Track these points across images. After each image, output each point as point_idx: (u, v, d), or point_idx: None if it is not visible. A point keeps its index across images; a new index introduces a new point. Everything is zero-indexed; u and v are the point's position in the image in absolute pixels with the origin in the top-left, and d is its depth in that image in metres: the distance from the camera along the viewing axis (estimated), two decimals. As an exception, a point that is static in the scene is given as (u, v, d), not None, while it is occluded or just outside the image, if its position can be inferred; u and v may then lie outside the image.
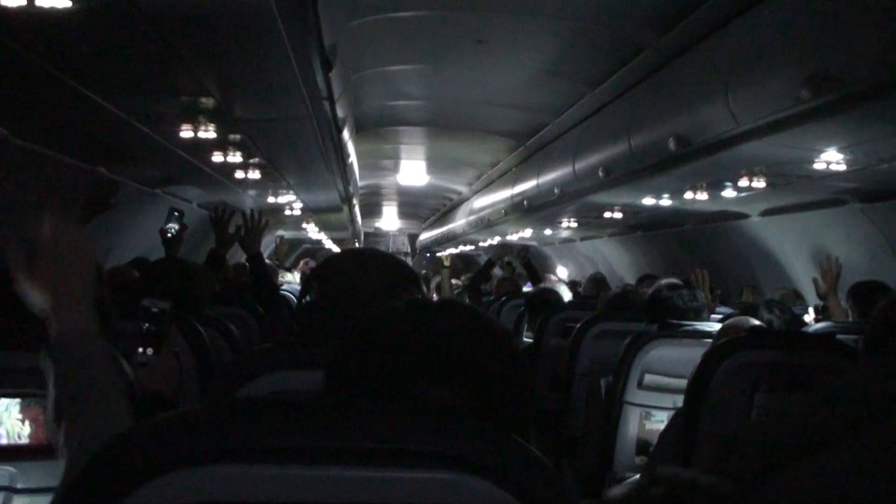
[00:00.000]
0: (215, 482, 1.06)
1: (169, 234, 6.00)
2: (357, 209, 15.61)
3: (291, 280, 8.89)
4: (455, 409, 1.23)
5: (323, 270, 2.09)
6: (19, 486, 2.44)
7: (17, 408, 2.46)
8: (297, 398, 1.27)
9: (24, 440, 2.46)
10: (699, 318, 4.03)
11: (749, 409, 2.88)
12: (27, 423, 2.46)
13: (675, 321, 4.00)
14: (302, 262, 15.36)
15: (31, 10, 2.58)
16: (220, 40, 3.10)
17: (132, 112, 4.50)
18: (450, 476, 1.07)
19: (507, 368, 1.29)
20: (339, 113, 5.08)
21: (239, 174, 6.79)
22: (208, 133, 4.94)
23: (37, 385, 2.46)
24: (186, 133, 4.95)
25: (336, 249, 21.55)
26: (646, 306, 4.25)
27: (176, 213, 6.69)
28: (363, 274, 1.99)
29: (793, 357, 2.89)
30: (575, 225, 11.01)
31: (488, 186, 13.55)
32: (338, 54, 3.72)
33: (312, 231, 15.48)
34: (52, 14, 2.61)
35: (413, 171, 15.94)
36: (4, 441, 2.45)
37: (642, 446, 4.00)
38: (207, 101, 4.25)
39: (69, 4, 2.54)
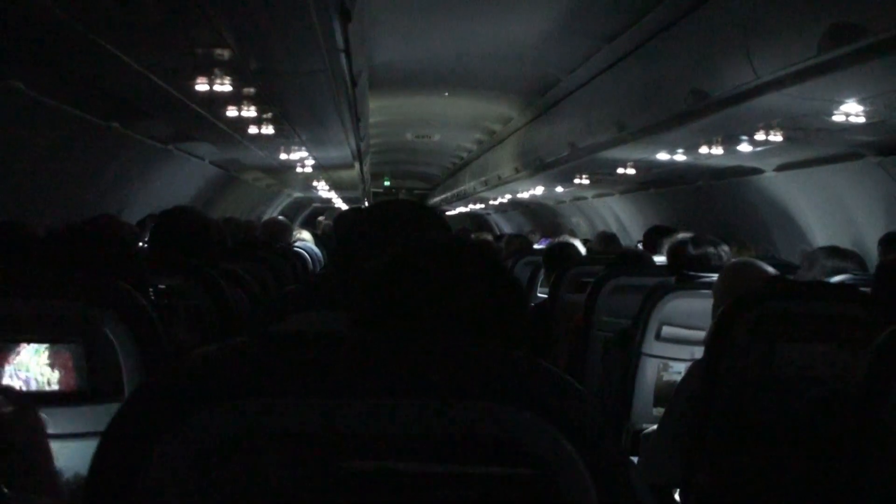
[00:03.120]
0: (263, 413, 1.08)
1: (144, 243, 5.98)
2: (368, 167, 15.59)
3: (307, 238, 8.90)
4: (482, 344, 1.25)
5: (359, 219, 2.14)
6: (50, 430, 2.47)
7: (46, 354, 2.48)
8: (336, 333, 1.28)
9: (54, 386, 2.48)
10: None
11: (770, 359, 2.88)
12: (56, 369, 2.48)
13: (692, 273, 4.00)
14: (323, 218, 15.39)
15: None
16: (240, -11, 3.09)
17: (148, 65, 4.49)
18: (489, 406, 1.08)
19: (520, 317, 1.35)
20: (355, 67, 5.07)
21: (252, 129, 6.78)
22: (224, 86, 4.92)
23: (65, 331, 2.49)
24: (202, 86, 4.94)
25: (345, 208, 21.55)
26: (668, 256, 4.24)
27: (152, 224, 6.67)
28: (397, 221, 2.05)
29: (814, 307, 2.89)
30: (587, 182, 10.98)
31: (500, 143, 13.50)
32: (356, 5, 3.70)
33: (323, 190, 15.48)
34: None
35: (424, 128, 15.89)
36: (34, 387, 2.48)
37: (660, 397, 4.02)
38: (223, 53, 4.24)
39: (91, -48, 2.53)
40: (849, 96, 4.60)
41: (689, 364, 3.46)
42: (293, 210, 20.35)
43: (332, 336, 1.19)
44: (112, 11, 3.39)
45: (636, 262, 5.32)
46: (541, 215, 18.35)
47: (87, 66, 4.47)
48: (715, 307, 3.32)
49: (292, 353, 1.12)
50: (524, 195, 14.71)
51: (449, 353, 1.12)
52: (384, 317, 1.31)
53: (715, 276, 3.92)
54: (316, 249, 8.17)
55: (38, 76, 4.73)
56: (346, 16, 3.71)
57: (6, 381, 2.46)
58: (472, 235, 13.06)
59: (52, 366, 2.48)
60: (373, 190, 23.85)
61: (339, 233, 2.76)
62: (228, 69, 4.56)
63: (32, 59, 4.38)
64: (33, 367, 2.49)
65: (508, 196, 16.05)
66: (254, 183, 13.41)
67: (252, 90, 5.22)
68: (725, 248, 4.03)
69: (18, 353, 2.46)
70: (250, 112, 5.91)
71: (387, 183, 28.08)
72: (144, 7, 3.24)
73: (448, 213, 25.39)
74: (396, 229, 2.07)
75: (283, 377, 1.10)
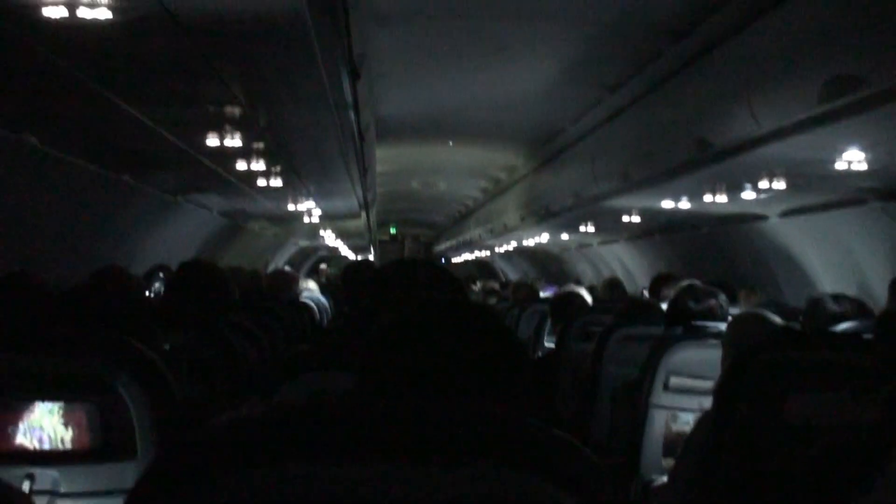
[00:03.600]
0: (279, 482, 1.10)
1: (152, 294, 6.03)
2: (374, 216, 15.67)
3: (313, 288, 8.93)
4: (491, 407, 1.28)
5: (375, 278, 2.20)
6: (62, 489, 2.48)
7: (60, 412, 2.49)
8: (348, 398, 1.31)
9: (67, 444, 2.49)
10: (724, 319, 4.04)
11: (779, 409, 2.89)
12: (69, 427, 2.49)
13: (699, 323, 4.02)
14: (325, 266, 15.48)
15: (71, 22, 2.63)
16: (253, 51, 3.15)
17: (160, 120, 4.56)
18: (497, 470, 1.10)
19: (522, 376, 1.38)
20: (363, 121, 5.13)
21: (261, 182, 6.85)
22: (234, 141, 4.99)
23: (79, 390, 2.51)
24: (212, 141, 5.01)
25: (352, 257, 21.61)
26: (668, 310, 4.26)
27: (160, 274, 6.73)
28: (406, 281, 2.09)
29: (821, 356, 2.90)
30: (592, 229, 11.03)
31: (505, 192, 13.58)
32: (364, 62, 3.77)
33: (329, 239, 15.54)
34: (92, 25, 2.66)
35: (429, 176, 15.97)
36: (47, 445, 2.49)
37: (670, 448, 4.01)
38: (234, 110, 4.31)
39: (110, 16, 2.59)
40: (850, 145, 4.66)
41: (698, 414, 3.47)
42: (299, 258, 20.39)
43: (342, 403, 1.21)
44: (126, 69, 3.46)
45: (644, 310, 5.33)
46: (546, 262, 18.38)
47: (100, 121, 4.54)
48: (724, 359, 3.33)
49: (306, 422, 1.15)
50: (529, 242, 14.75)
51: (456, 417, 1.15)
52: (391, 378, 1.34)
53: (721, 325, 3.94)
54: (323, 299, 8.19)
55: (51, 131, 4.81)
56: (355, 74, 3.78)
57: (20, 438, 2.48)
58: (479, 283, 13.09)
59: (65, 424, 2.50)
60: (379, 238, 23.93)
61: (348, 290, 2.81)
62: (239, 125, 4.63)
63: (47, 114, 4.45)
64: (47, 425, 2.51)
65: (514, 243, 16.09)
66: (260, 232, 13.47)
67: (261, 145, 5.29)
68: (723, 296, 4.07)
69: (32, 411, 2.48)
70: (259, 165, 5.98)
71: (393, 231, 28.15)
72: (159, 67, 3.31)
73: (454, 259, 25.43)
74: (405, 289, 2.12)
75: (297, 446, 1.12)
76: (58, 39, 2.96)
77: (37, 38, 2.92)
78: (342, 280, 3.50)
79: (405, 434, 1.12)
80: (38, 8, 2.60)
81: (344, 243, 17.57)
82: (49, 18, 2.61)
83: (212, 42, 3.04)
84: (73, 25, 2.68)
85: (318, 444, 1.12)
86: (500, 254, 20.29)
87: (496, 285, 12.38)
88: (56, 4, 2.57)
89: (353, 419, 1.15)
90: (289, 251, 18.21)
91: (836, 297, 4.24)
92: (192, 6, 2.67)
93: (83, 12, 2.59)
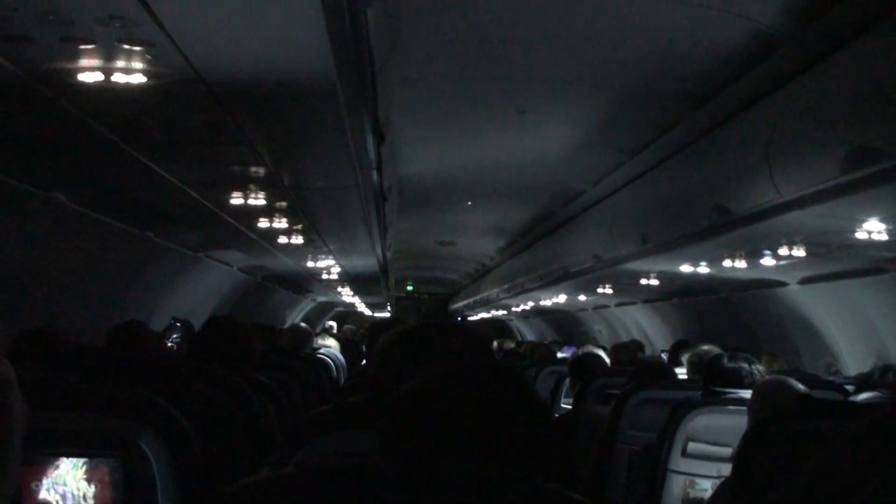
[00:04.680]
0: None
1: (172, 344, 6.08)
2: (392, 274, 15.72)
3: (330, 344, 8.96)
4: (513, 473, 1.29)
5: (391, 341, 2.22)
6: (85, 546, 2.49)
7: (84, 468, 2.51)
8: (368, 464, 1.32)
9: (90, 501, 2.51)
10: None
11: (799, 479, 2.86)
12: (93, 483, 2.51)
13: (719, 388, 4.01)
14: (332, 324, 15.50)
15: (105, 86, 2.71)
16: (281, 116, 3.22)
17: (185, 180, 4.63)
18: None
19: (547, 440, 1.38)
20: (386, 182, 5.19)
21: (282, 239, 6.91)
22: (257, 200, 5.05)
23: (103, 446, 2.53)
24: (236, 200, 5.07)
25: (368, 313, 21.62)
26: (703, 373, 4.24)
27: (178, 324, 6.79)
28: (430, 344, 2.12)
29: (844, 426, 2.88)
30: (610, 291, 11.02)
31: (523, 251, 13.61)
32: (390, 125, 3.84)
33: (347, 295, 15.57)
34: (126, 89, 2.74)
35: (447, 235, 16.04)
36: (70, 502, 2.51)
37: (687, 515, 3.98)
38: (259, 170, 4.37)
39: (143, 81, 2.67)
40: (871, 215, 4.67)
41: (716, 481, 3.45)
42: (316, 314, 20.42)
43: (365, 468, 1.23)
44: (155, 131, 3.53)
45: (658, 373, 5.32)
46: (563, 322, 18.34)
47: (127, 179, 4.62)
48: (749, 424, 3.33)
49: (332, 485, 1.17)
50: (546, 302, 14.74)
51: (480, 486, 1.17)
52: (416, 440, 1.34)
53: (742, 393, 3.92)
54: (339, 356, 8.21)
55: (79, 189, 4.89)
56: (381, 137, 3.84)
57: (43, 494, 2.50)
58: (496, 342, 13.07)
59: (88, 480, 2.51)
60: (395, 294, 23.95)
61: (371, 352, 2.84)
62: (263, 184, 4.70)
63: (75, 173, 4.54)
64: (70, 481, 2.52)
65: (531, 303, 16.08)
66: (279, 288, 13.53)
67: (284, 204, 5.35)
68: (760, 367, 4.02)
69: (58, 467, 2.50)
70: (281, 224, 6.04)
71: (409, 288, 28.18)
72: (187, 129, 3.38)
73: (470, 318, 25.39)
74: (429, 353, 2.14)
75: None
76: (91, 102, 3.04)
77: (72, 101, 3.00)
78: (367, 338, 3.52)
79: (429, 499, 1.14)
80: (75, 73, 2.68)
81: (361, 300, 17.59)
82: (84, 83, 2.69)
83: (241, 106, 3.11)
84: (107, 89, 2.76)
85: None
86: (516, 313, 20.26)
87: (512, 345, 12.36)
88: (92, 70, 2.64)
89: (378, 483, 1.17)
90: (306, 307, 18.25)
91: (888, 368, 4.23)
92: (223, 72, 2.74)
93: (118, 77, 2.67)
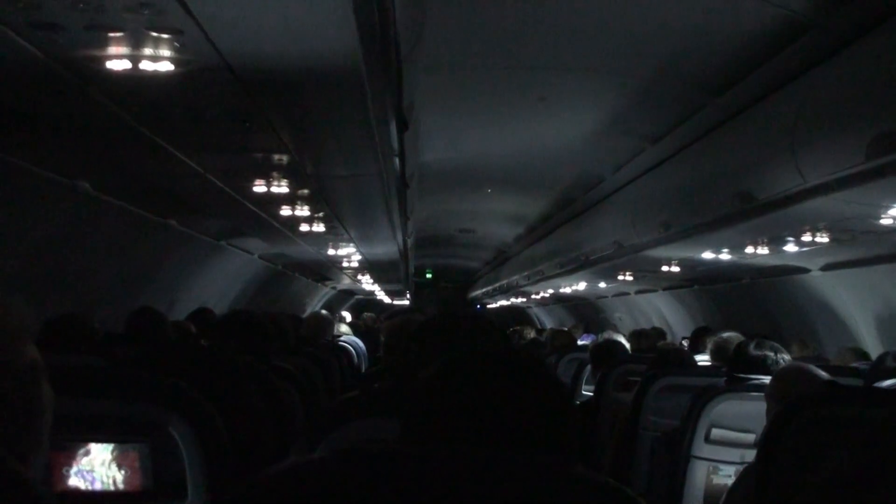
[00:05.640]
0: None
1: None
2: (412, 262, 15.74)
3: (348, 331, 9.02)
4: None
5: (422, 328, 2.25)
6: (114, 530, 2.52)
7: (113, 454, 2.54)
8: (395, 449, 1.33)
9: (119, 485, 2.54)
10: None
11: (824, 465, 2.86)
12: (122, 468, 2.54)
13: (742, 375, 4.00)
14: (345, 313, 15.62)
15: (133, 74, 2.73)
16: (306, 103, 3.23)
17: (209, 167, 4.65)
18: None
19: (569, 424, 1.38)
20: (408, 170, 5.20)
21: (304, 227, 6.93)
22: (280, 188, 5.07)
23: (132, 432, 2.56)
24: (259, 188, 5.09)
25: (387, 301, 21.67)
26: (728, 359, 4.23)
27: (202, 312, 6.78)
28: (451, 332, 2.19)
29: (869, 413, 2.88)
30: (631, 278, 11.00)
31: (542, 239, 13.60)
32: (413, 114, 3.84)
33: (367, 283, 15.61)
34: (153, 77, 2.75)
35: (466, 223, 16.05)
36: (99, 487, 2.54)
37: (710, 501, 3.98)
38: (282, 158, 4.39)
39: (171, 68, 2.68)
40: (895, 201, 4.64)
41: (739, 467, 3.45)
42: (337, 302, 20.49)
43: (401, 453, 1.24)
44: (181, 119, 3.55)
45: (676, 360, 5.32)
46: (582, 310, 18.32)
47: (151, 168, 4.64)
48: (768, 411, 3.32)
49: (360, 472, 1.18)
50: (566, 289, 14.72)
51: (504, 469, 1.17)
52: (436, 428, 1.34)
53: (765, 379, 3.92)
54: (360, 343, 8.26)
55: (104, 177, 4.92)
56: (404, 125, 3.84)
57: (73, 480, 2.53)
58: (515, 328, 13.07)
59: (118, 465, 2.54)
60: (414, 281, 24.00)
61: (392, 338, 2.88)
62: (286, 172, 4.71)
63: (100, 161, 4.57)
64: (99, 467, 2.55)
65: (550, 290, 16.07)
66: (299, 276, 13.58)
67: (307, 191, 5.36)
68: (786, 356, 3.99)
69: (87, 453, 2.53)
70: (303, 211, 6.06)
71: (429, 275, 28.21)
72: (212, 117, 3.39)
73: (489, 306, 25.40)
74: (450, 340, 2.16)
75: (352, 496, 1.15)
76: (118, 90, 3.05)
77: (99, 89, 3.02)
78: (386, 329, 3.55)
79: (454, 485, 1.15)
80: (103, 61, 2.70)
81: (381, 287, 17.63)
82: (112, 70, 2.70)
83: (266, 94, 3.12)
84: (134, 77, 2.77)
85: (372, 495, 1.15)
86: (535, 300, 20.25)
87: (532, 332, 12.35)
88: (120, 57, 2.66)
89: (414, 467, 1.18)
90: (327, 295, 18.31)
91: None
92: (249, 59, 2.75)
93: (145, 65, 2.69)
